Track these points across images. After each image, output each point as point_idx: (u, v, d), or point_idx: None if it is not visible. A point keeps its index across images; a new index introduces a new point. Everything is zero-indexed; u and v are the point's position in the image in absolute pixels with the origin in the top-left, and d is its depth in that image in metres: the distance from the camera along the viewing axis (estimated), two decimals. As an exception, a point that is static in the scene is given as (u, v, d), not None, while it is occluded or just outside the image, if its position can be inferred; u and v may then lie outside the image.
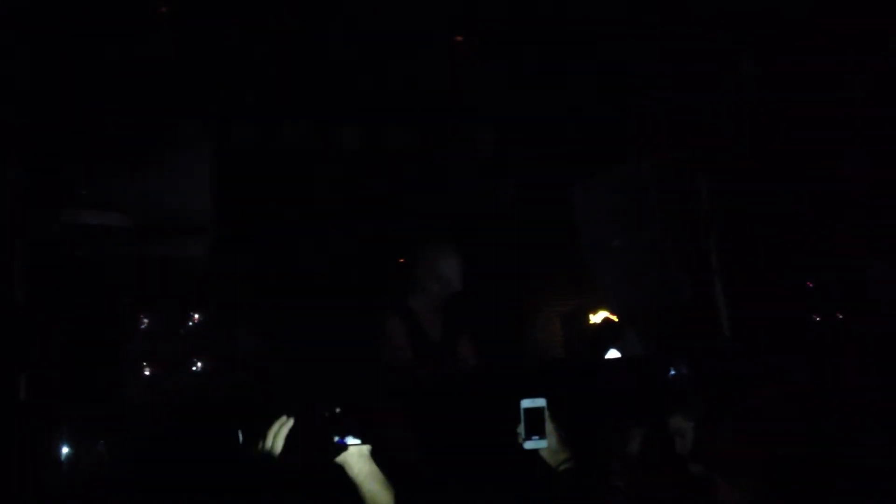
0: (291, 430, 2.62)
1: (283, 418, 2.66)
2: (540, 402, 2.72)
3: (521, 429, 2.71)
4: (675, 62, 5.05)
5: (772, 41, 4.75)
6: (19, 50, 4.16)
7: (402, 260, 5.80)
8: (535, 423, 2.70)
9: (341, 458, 2.66)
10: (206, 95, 4.96)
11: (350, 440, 2.69)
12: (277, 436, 2.63)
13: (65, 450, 3.71)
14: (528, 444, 2.72)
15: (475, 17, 4.94)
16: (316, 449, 2.65)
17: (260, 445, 2.62)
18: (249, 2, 4.56)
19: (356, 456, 2.65)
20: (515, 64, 5.24)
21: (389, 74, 5.14)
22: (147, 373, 4.49)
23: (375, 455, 2.68)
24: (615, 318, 5.64)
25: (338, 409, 2.76)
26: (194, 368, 4.59)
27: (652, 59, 5.03)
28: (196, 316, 4.69)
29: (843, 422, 3.76)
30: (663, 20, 4.80)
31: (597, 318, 5.84)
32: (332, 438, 2.66)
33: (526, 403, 2.72)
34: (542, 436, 2.71)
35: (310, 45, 4.86)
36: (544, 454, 2.74)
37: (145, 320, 4.58)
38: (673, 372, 4.36)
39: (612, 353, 5.30)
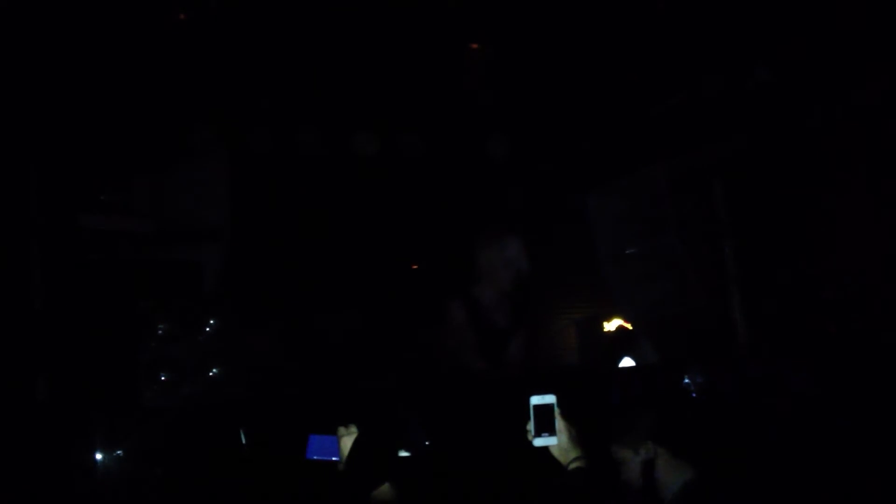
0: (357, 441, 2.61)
1: (349, 427, 2.66)
2: (549, 399, 2.68)
3: (531, 426, 2.68)
4: (690, 70, 5.04)
5: (787, 48, 4.74)
6: (39, 56, 4.20)
7: (414, 266, 5.81)
8: (544, 420, 2.67)
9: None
10: (223, 102, 4.99)
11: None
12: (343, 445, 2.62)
13: (83, 453, 3.74)
14: (538, 442, 2.69)
15: (491, 25, 4.96)
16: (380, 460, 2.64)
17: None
18: (267, 9, 4.59)
19: None
20: (530, 71, 5.24)
21: (404, 81, 5.15)
22: (164, 377, 4.51)
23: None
24: (629, 327, 5.63)
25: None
26: (211, 373, 4.60)
27: (668, 66, 5.02)
28: (212, 321, 4.71)
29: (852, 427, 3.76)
30: (679, 27, 4.79)
31: (611, 325, 5.84)
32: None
33: (535, 400, 2.68)
34: (552, 433, 2.68)
35: (325, 51, 4.88)
36: (554, 452, 2.72)
37: (162, 325, 4.60)
38: (687, 380, 4.36)
39: (627, 362, 5.29)
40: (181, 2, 4.42)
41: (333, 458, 2.65)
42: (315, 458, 2.67)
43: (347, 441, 2.63)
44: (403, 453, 2.71)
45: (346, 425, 2.68)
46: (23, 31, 4.13)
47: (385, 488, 2.59)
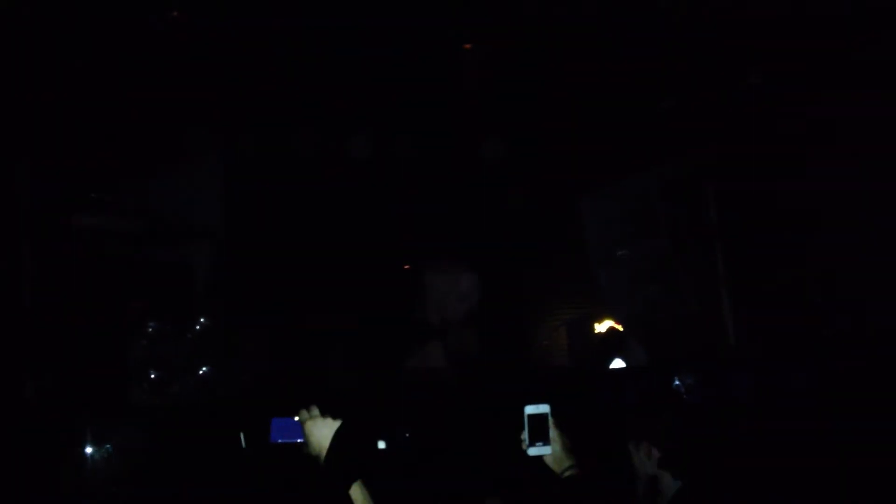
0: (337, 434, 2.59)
1: (311, 409, 2.63)
2: (543, 409, 2.70)
3: (525, 435, 2.70)
4: (683, 74, 5.05)
5: (779, 52, 4.75)
6: (31, 55, 4.18)
7: (406, 266, 5.81)
8: (538, 429, 2.68)
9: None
10: (216, 103, 4.97)
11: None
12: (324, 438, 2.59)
13: (73, 452, 3.72)
14: (532, 451, 2.70)
15: (484, 26, 4.95)
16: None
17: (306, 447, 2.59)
18: (259, 10, 4.57)
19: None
20: (523, 74, 5.24)
21: (397, 82, 5.14)
22: (153, 377, 4.50)
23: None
24: (620, 328, 5.65)
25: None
26: (199, 373, 4.59)
27: (660, 71, 5.03)
28: (202, 320, 4.70)
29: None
30: (671, 32, 4.80)
31: (602, 327, 5.85)
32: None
33: (529, 410, 2.70)
34: (546, 442, 2.69)
35: (318, 53, 4.87)
36: (548, 461, 2.73)
37: (152, 324, 4.59)
38: (677, 382, 4.37)
39: (617, 363, 5.31)
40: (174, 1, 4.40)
41: (298, 440, 2.65)
42: (280, 441, 2.67)
43: (311, 424, 2.62)
44: (381, 445, 2.69)
45: (307, 408, 2.67)
46: (14, 29, 4.11)
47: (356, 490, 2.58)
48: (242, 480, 3.41)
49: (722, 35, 4.71)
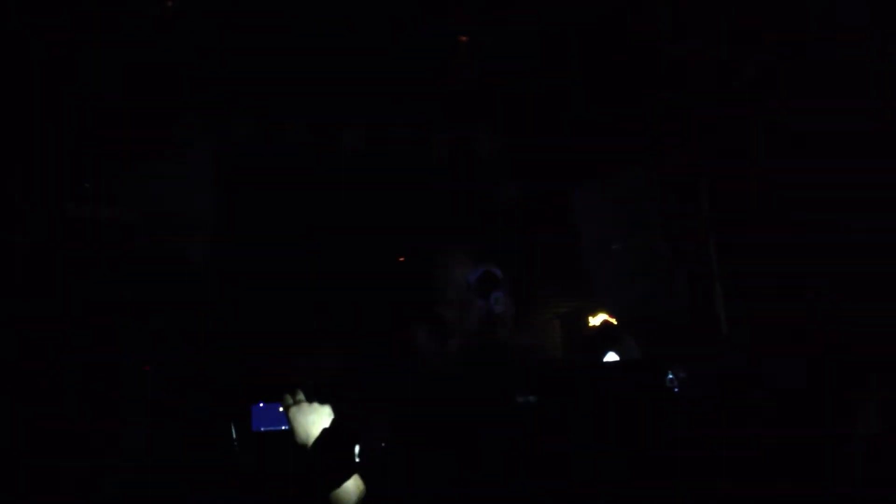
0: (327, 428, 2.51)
1: (296, 393, 2.53)
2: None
3: None
4: (677, 67, 5.05)
5: (776, 47, 4.75)
6: (21, 43, 4.17)
7: (401, 259, 5.80)
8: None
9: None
10: (209, 91, 4.97)
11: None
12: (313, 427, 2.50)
13: (67, 446, 3.72)
14: None
15: (479, 18, 4.95)
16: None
17: (295, 436, 2.50)
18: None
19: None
20: (518, 67, 5.24)
21: (392, 74, 5.14)
22: (148, 367, 4.50)
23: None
24: (614, 321, 5.65)
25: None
26: (197, 364, 4.59)
27: (655, 63, 5.03)
28: (198, 310, 4.70)
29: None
30: (665, 24, 4.80)
31: (596, 320, 5.85)
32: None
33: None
34: None
35: (312, 43, 4.86)
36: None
37: (148, 315, 4.59)
38: (671, 376, 4.37)
39: (611, 356, 5.30)
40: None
41: (283, 428, 2.54)
42: (262, 429, 2.56)
43: (296, 411, 2.55)
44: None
45: (292, 392, 2.56)
46: (5, 20, 4.10)
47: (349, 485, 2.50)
48: (236, 474, 3.39)
49: (718, 28, 4.72)
